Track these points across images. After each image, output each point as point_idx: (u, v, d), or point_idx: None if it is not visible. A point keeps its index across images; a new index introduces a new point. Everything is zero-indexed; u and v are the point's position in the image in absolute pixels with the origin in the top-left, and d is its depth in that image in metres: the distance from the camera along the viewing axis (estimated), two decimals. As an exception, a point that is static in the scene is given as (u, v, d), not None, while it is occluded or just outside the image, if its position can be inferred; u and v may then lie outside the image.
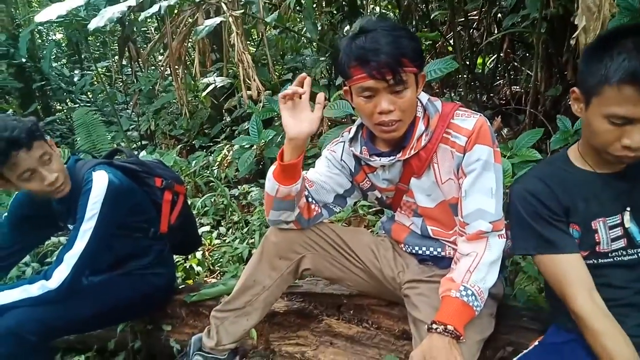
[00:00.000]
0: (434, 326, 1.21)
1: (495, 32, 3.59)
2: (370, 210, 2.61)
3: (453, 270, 1.30)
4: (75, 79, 6.65)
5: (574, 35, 1.79)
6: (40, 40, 6.73)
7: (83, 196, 1.65)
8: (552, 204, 1.16)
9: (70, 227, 1.85)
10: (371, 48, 1.18)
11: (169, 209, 1.96)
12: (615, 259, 1.16)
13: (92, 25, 2.62)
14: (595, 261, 1.17)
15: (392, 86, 1.20)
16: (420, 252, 1.47)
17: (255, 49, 5.02)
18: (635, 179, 1.13)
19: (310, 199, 1.47)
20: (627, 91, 0.97)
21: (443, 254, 1.43)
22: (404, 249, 1.53)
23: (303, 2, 3.47)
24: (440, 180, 1.35)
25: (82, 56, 7.06)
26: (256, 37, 5.04)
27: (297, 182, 1.34)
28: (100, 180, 1.66)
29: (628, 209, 1.14)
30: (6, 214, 1.86)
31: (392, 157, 1.34)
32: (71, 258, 1.62)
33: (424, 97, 1.36)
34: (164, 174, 2.00)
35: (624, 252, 1.16)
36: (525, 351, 1.25)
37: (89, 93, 6.62)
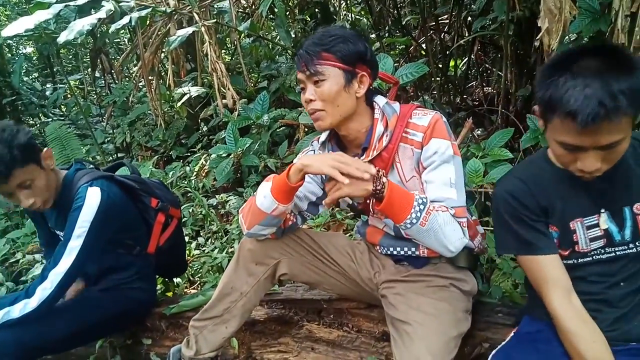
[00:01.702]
0: (380, 171, 1.26)
1: (466, 35, 3.66)
2: (348, 214, 2.62)
3: None
4: (48, 92, 6.51)
5: (537, 37, 1.84)
6: (10, 55, 6.59)
7: (74, 212, 1.63)
8: (531, 204, 1.18)
9: (58, 232, 1.83)
10: (302, 44, 1.35)
11: (160, 230, 1.96)
12: (594, 257, 1.18)
13: (62, 38, 2.58)
14: (575, 261, 1.19)
15: (311, 77, 1.32)
16: (395, 252, 1.49)
17: (230, 58, 5.02)
18: (612, 180, 1.14)
19: None
20: (568, 124, 0.98)
21: (417, 253, 1.45)
22: (379, 250, 1.55)
23: (276, 10, 3.49)
24: (404, 178, 1.38)
25: (54, 69, 6.93)
26: (230, 45, 5.03)
27: (293, 201, 1.39)
28: (92, 198, 1.64)
29: (602, 210, 1.16)
30: None
31: None
32: (56, 276, 1.59)
33: (381, 100, 1.40)
34: (162, 195, 2.00)
35: (603, 251, 1.18)
36: (502, 344, 1.27)
37: (62, 107, 6.50)
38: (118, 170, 1.99)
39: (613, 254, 1.17)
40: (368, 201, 1.43)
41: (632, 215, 1.15)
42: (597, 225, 1.17)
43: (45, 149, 1.67)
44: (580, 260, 1.19)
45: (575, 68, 0.98)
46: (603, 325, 1.13)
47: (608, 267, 1.18)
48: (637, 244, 1.16)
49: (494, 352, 1.23)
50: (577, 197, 1.17)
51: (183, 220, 3.07)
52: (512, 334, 1.30)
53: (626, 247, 1.17)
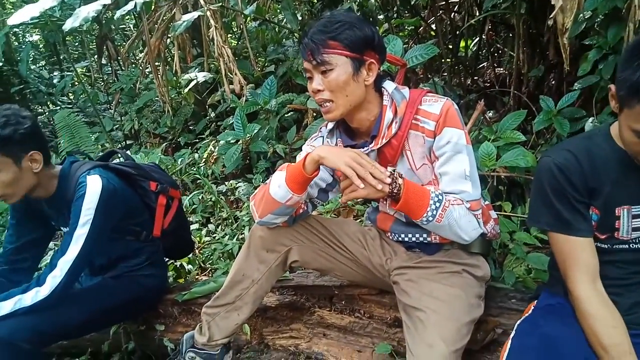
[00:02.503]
0: (395, 171, 1.27)
1: (477, 14, 3.58)
2: (358, 200, 2.61)
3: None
4: (55, 80, 6.53)
5: (551, 16, 1.79)
6: (16, 43, 6.58)
7: (77, 201, 1.63)
8: (579, 183, 1.13)
9: (63, 229, 1.84)
10: (307, 32, 1.30)
11: (163, 213, 1.96)
12: (631, 245, 1.15)
13: (67, 25, 2.57)
14: (610, 246, 1.16)
15: (318, 66, 1.27)
16: (406, 239, 1.48)
17: (236, 42, 4.97)
18: None
19: None
20: None
21: (429, 239, 1.43)
22: (390, 237, 1.53)
23: (282, -8, 3.44)
24: (414, 166, 1.36)
25: (61, 57, 6.92)
26: (237, 30, 4.97)
27: (307, 190, 1.38)
28: (94, 185, 1.64)
29: None
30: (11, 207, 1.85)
31: (365, 148, 1.35)
32: (65, 263, 1.60)
33: (390, 85, 1.36)
34: (160, 178, 1.99)
35: None
36: (524, 315, 1.26)
37: (69, 94, 6.51)
38: (111, 158, 1.98)
39: None
40: (384, 201, 1.41)
41: None
42: None
43: (34, 151, 1.62)
44: (616, 247, 1.16)
45: None
46: (622, 308, 1.11)
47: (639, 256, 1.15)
48: None
49: (518, 322, 1.23)
50: (629, 183, 1.12)
51: (193, 207, 3.08)
52: (531, 307, 1.28)
53: None
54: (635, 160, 1.07)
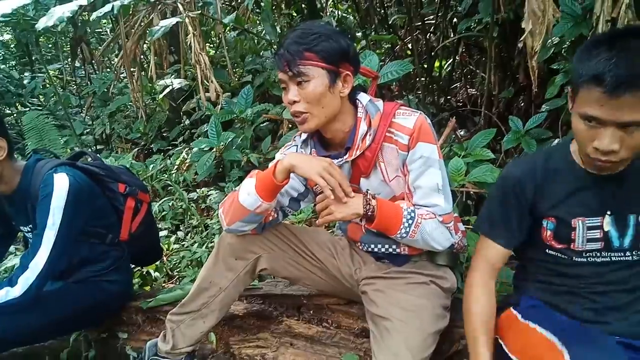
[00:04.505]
0: (368, 192, 1.32)
1: (451, 36, 3.69)
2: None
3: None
4: (26, 81, 6.36)
5: (521, 39, 1.86)
6: (-14, 41, 6.42)
7: (44, 200, 1.59)
8: (529, 194, 1.20)
9: (22, 228, 1.78)
10: (282, 43, 1.30)
11: (131, 216, 1.91)
12: (588, 259, 1.19)
13: (41, 24, 2.51)
14: (568, 258, 1.20)
15: (294, 78, 1.27)
16: (376, 249, 1.49)
17: (214, 51, 4.96)
18: (623, 184, 1.14)
19: None
20: (593, 92, 0.99)
21: (398, 250, 1.45)
22: (360, 247, 1.54)
23: (262, 3, 3.46)
24: (387, 178, 1.38)
25: (33, 58, 6.76)
26: (215, 39, 4.98)
27: (277, 198, 1.38)
28: (61, 184, 1.60)
29: (609, 212, 1.15)
30: None
31: (339, 159, 1.36)
32: (36, 265, 1.55)
33: (364, 98, 1.38)
34: (129, 180, 1.95)
35: (599, 254, 1.18)
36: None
37: (40, 96, 6.35)
38: (80, 160, 1.94)
39: (608, 258, 1.18)
40: (359, 221, 1.43)
41: (636, 224, 1.15)
42: (599, 227, 1.16)
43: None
44: (574, 259, 1.20)
45: (615, 44, 0.99)
46: (582, 315, 1.18)
47: (600, 269, 1.19)
48: (634, 252, 1.16)
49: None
50: (585, 196, 1.17)
51: (163, 214, 3.03)
52: (513, 310, 1.29)
53: (622, 254, 1.17)
54: (587, 160, 1.10)
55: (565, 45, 2.16)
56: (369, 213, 1.29)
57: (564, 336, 1.06)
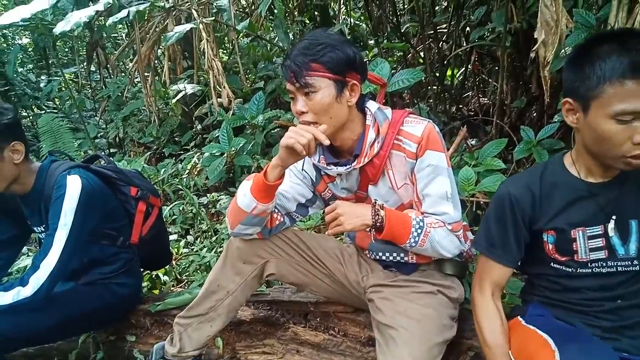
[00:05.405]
0: (377, 202, 1.32)
1: (464, 44, 3.68)
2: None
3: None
4: (42, 84, 6.47)
5: (533, 49, 1.86)
6: (5, 45, 6.53)
7: (56, 201, 1.61)
8: (527, 214, 1.19)
9: (36, 229, 1.80)
10: (289, 54, 1.30)
11: (142, 219, 1.93)
12: (594, 269, 1.17)
13: (58, 29, 2.57)
14: (574, 270, 1.18)
15: (301, 89, 1.27)
16: (384, 257, 1.49)
17: (227, 57, 5.01)
18: (623, 189, 1.13)
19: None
20: (629, 85, 0.97)
21: (406, 259, 1.44)
22: (368, 255, 1.54)
23: (275, 10, 3.49)
24: (395, 185, 1.38)
25: (49, 61, 6.87)
26: (228, 45, 5.02)
27: (274, 200, 1.37)
28: (74, 186, 1.62)
29: (614, 217, 1.13)
30: None
31: (348, 166, 1.36)
32: (47, 265, 1.57)
33: (373, 105, 1.38)
34: (141, 184, 1.97)
35: (604, 264, 1.16)
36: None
37: (55, 99, 6.45)
38: (94, 163, 1.96)
39: (614, 268, 1.15)
40: (368, 231, 1.43)
41: (639, 229, 1.13)
42: (601, 235, 1.15)
43: (16, 142, 1.61)
44: (579, 271, 1.18)
45: (624, 38, 1.00)
46: (596, 332, 1.15)
47: (607, 280, 1.17)
48: None
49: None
50: (582, 206, 1.15)
51: (173, 218, 3.05)
52: (520, 319, 1.27)
53: (629, 264, 1.15)
54: (617, 163, 1.05)
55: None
56: (378, 223, 1.29)
57: (560, 338, 1.07)
